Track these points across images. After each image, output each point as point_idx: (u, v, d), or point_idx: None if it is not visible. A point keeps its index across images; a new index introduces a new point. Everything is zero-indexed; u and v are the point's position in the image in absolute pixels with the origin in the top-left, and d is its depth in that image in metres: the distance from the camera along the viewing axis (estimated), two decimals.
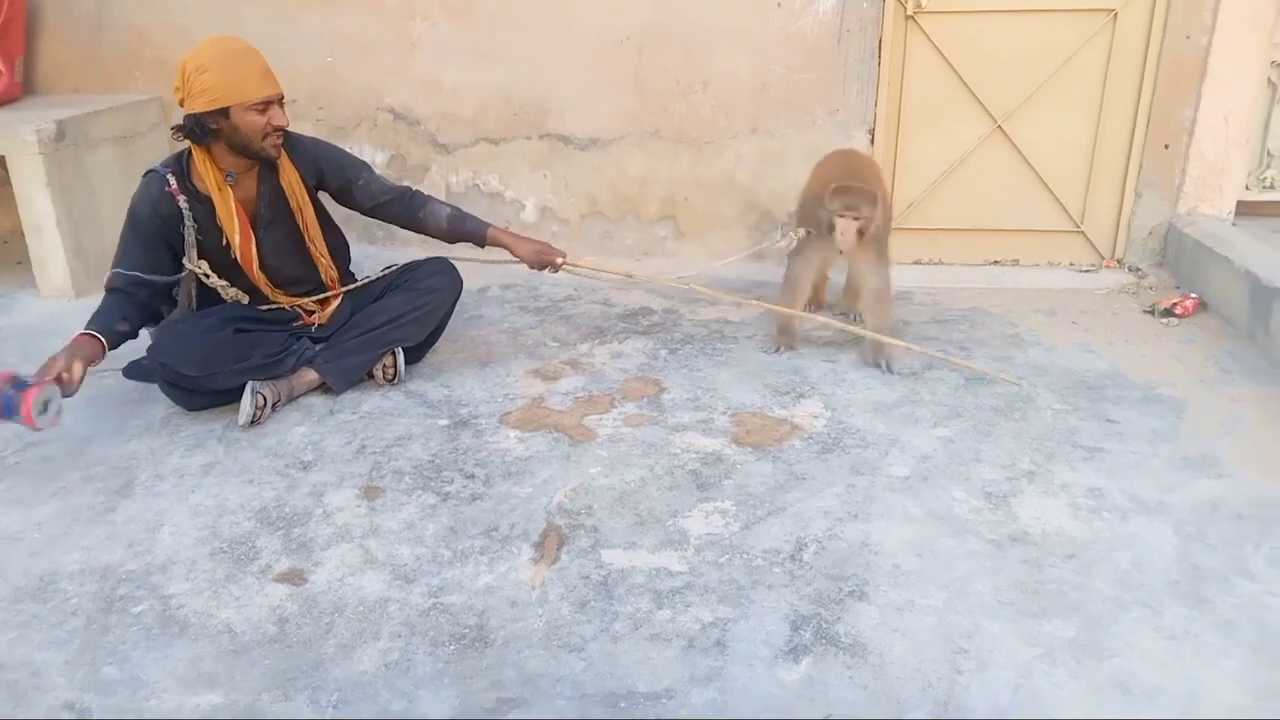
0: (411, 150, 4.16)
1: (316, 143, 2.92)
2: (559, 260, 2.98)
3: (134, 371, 2.88)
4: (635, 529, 2.25)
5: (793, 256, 3.15)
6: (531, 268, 2.99)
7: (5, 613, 1.99)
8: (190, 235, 2.67)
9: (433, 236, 3.00)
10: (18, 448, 2.63)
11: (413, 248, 3.24)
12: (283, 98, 2.66)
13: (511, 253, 2.98)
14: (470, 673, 1.82)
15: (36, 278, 3.69)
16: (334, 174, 2.88)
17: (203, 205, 2.68)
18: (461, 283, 3.03)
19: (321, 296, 2.95)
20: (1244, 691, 1.74)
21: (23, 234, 4.02)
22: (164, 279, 2.71)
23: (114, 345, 2.61)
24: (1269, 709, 1.70)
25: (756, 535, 2.22)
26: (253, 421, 2.69)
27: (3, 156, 3.54)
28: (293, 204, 2.78)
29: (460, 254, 3.05)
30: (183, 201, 2.64)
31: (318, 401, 2.88)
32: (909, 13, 3.75)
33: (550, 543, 2.20)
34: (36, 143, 3.46)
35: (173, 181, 2.64)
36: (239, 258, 2.72)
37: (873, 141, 3.91)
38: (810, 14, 3.80)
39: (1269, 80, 3.75)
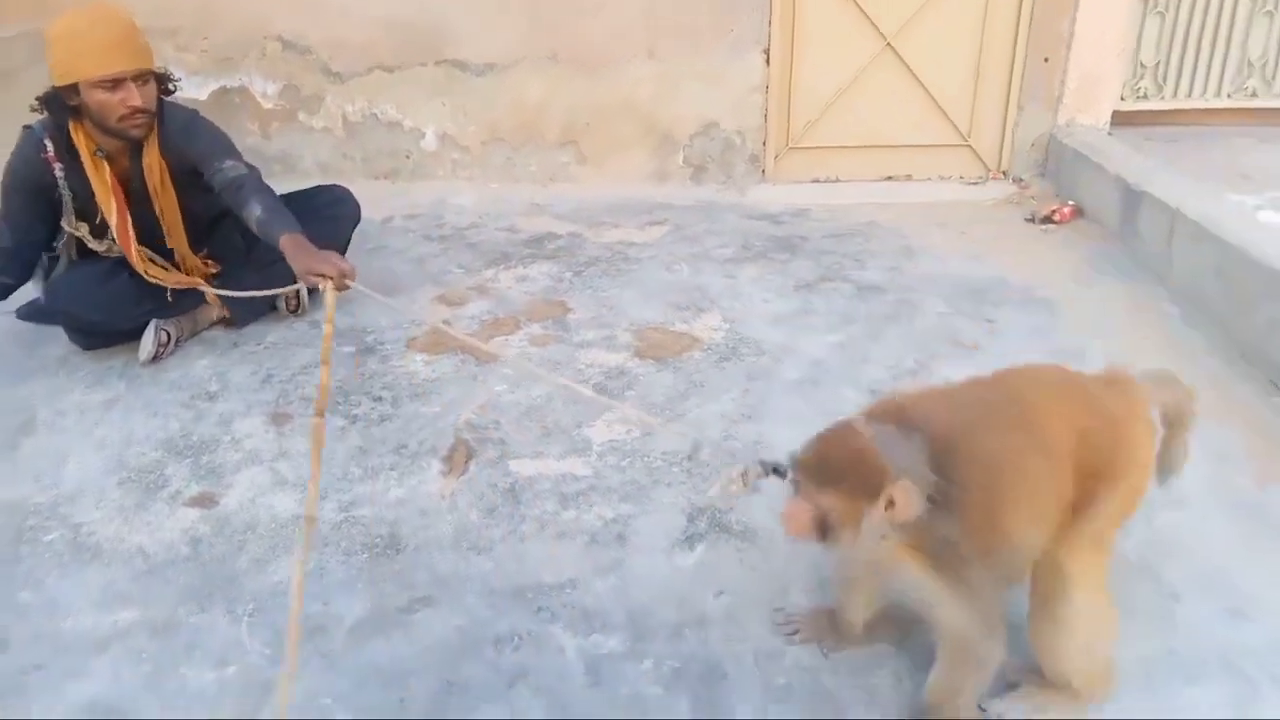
0: (304, 80, 4.09)
1: (189, 127, 2.67)
2: (324, 285, 2.27)
3: (28, 313, 2.82)
4: (541, 440, 2.34)
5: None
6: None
7: None
8: (66, 200, 2.58)
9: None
10: None
11: (313, 178, 3.23)
12: (142, 74, 2.47)
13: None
14: (383, 577, 1.90)
15: None
16: (199, 163, 2.64)
17: (78, 175, 2.57)
18: (359, 209, 3.03)
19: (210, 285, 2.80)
20: None
21: None
22: (45, 235, 2.64)
23: None
24: (1113, 568, 1.88)
25: (656, 439, 2.33)
26: (155, 358, 2.68)
27: None
28: (150, 187, 2.63)
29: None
30: (58, 170, 2.54)
31: (221, 336, 2.87)
32: None
33: (458, 456, 2.28)
34: None
35: (49, 147, 2.53)
36: (115, 235, 2.62)
37: (768, 62, 3.97)
38: None
39: None
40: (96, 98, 2.43)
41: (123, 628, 1.79)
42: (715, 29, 3.94)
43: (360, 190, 2.97)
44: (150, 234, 2.69)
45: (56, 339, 2.77)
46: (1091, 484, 1.48)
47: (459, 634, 1.76)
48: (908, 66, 3.98)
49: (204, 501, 2.13)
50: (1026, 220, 3.73)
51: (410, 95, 4.10)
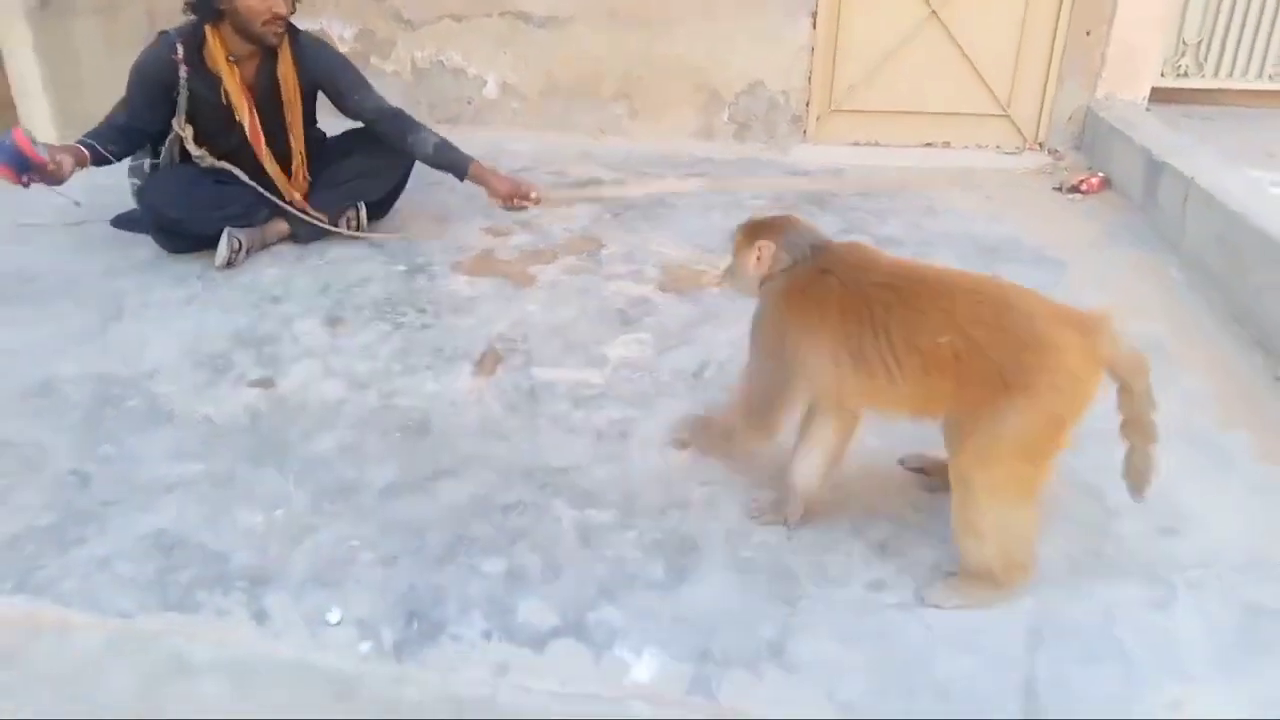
0: (378, 25, 4.37)
1: (322, 50, 3.13)
2: (534, 195, 3.11)
3: (121, 222, 3.18)
4: (563, 353, 2.59)
5: None
6: (505, 206, 3.13)
7: (14, 406, 2.33)
8: (182, 101, 2.91)
9: (417, 159, 3.18)
10: (18, 282, 2.93)
11: None
12: None
13: (488, 190, 3.12)
14: (412, 453, 2.18)
15: None
16: (331, 83, 3.09)
17: (203, 80, 2.92)
18: None
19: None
20: None
21: (13, 106, 4.25)
22: (156, 128, 2.97)
23: (97, 162, 2.86)
24: (1061, 488, 2.06)
25: (667, 359, 2.57)
26: (229, 264, 3.00)
27: None
28: (284, 96, 3.02)
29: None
30: (183, 72, 2.88)
31: (287, 250, 3.18)
32: None
33: (488, 361, 2.55)
34: (21, 7, 3.67)
35: (180, 51, 2.87)
36: (247, 134, 2.97)
37: (815, 25, 4.13)
38: None
39: None
40: (248, 4, 2.79)
41: (188, 477, 2.09)
42: None
43: None
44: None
45: (146, 244, 3.10)
46: (985, 393, 1.61)
47: (472, 500, 2.02)
48: (951, 35, 4.10)
49: (264, 384, 2.43)
50: (1055, 189, 3.85)
51: (475, 44, 4.35)
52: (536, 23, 4.28)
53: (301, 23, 4.33)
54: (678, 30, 4.23)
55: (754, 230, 1.89)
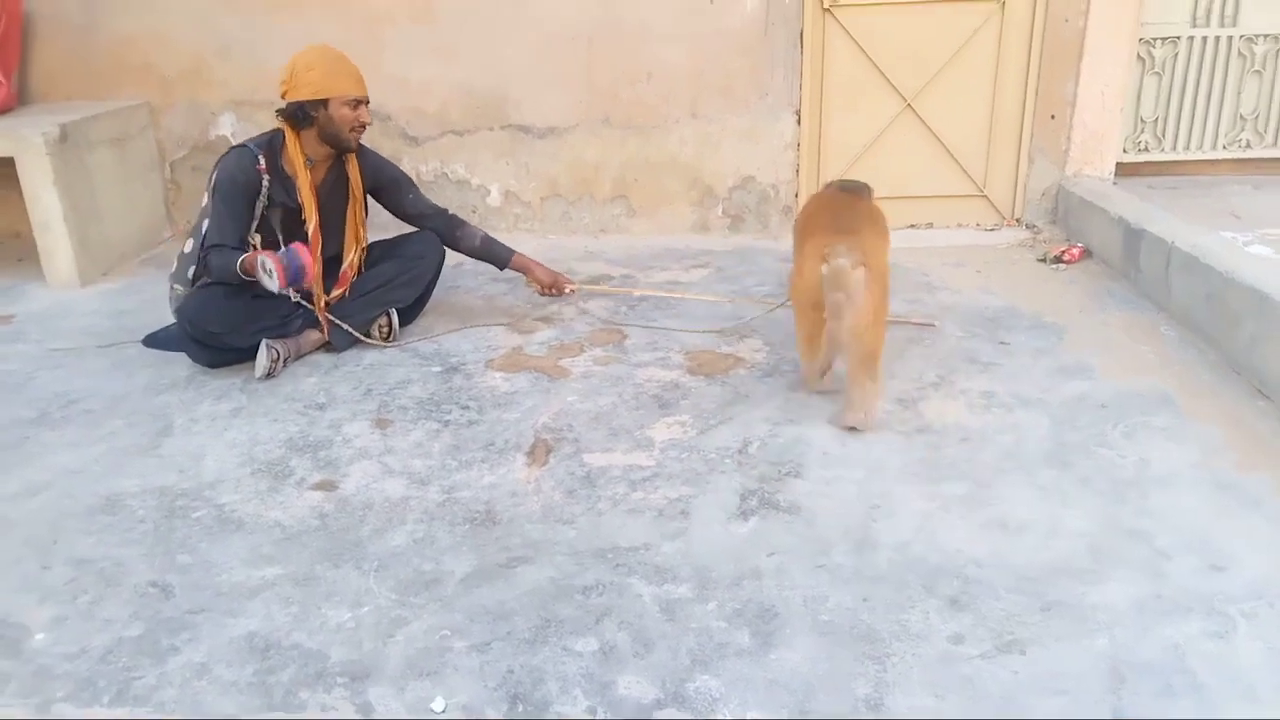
0: (384, 144, 4.54)
1: (381, 157, 3.44)
2: (569, 288, 3.54)
3: (153, 342, 3.25)
4: (610, 438, 2.69)
5: None
6: (543, 292, 3.51)
7: (83, 523, 2.36)
8: (258, 210, 3.09)
9: (462, 253, 3.50)
10: (61, 404, 2.98)
11: (390, 230, 3.62)
12: (369, 101, 3.14)
13: (530, 276, 3.50)
14: (484, 542, 2.24)
15: (44, 270, 4.00)
16: (390, 184, 3.38)
17: (281, 186, 3.11)
18: (444, 252, 3.45)
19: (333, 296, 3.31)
20: (1092, 523, 2.23)
21: (18, 235, 4.37)
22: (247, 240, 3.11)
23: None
24: (1110, 535, 2.19)
25: (710, 438, 2.67)
26: (269, 374, 3.08)
27: (10, 159, 3.85)
28: (353, 194, 3.27)
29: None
30: (265, 180, 3.07)
31: (323, 358, 3.27)
32: (825, 6, 4.24)
33: (539, 451, 2.63)
34: (44, 144, 3.79)
35: (263, 161, 3.06)
36: (309, 232, 3.14)
37: (799, 123, 4.39)
38: (738, 9, 4.28)
39: (1139, 56, 4.31)
40: (341, 112, 3.05)
41: (270, 580, 2.14)
42: (751, 93, 4.37)
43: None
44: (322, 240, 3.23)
45: (181, 362, 3.17)
46: None
47: (552, 583, 2.09)
48: (926, 125, 4.38)
49: (326, 486, 2.49)
50: (1039, 260, 4.08)
51: (478, 156, 4.55)
52: (536, 134, 4.49)
53: None
54: (669, 133, 4.47)
55: None
